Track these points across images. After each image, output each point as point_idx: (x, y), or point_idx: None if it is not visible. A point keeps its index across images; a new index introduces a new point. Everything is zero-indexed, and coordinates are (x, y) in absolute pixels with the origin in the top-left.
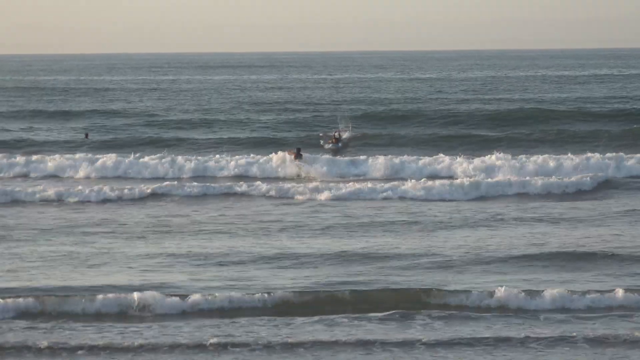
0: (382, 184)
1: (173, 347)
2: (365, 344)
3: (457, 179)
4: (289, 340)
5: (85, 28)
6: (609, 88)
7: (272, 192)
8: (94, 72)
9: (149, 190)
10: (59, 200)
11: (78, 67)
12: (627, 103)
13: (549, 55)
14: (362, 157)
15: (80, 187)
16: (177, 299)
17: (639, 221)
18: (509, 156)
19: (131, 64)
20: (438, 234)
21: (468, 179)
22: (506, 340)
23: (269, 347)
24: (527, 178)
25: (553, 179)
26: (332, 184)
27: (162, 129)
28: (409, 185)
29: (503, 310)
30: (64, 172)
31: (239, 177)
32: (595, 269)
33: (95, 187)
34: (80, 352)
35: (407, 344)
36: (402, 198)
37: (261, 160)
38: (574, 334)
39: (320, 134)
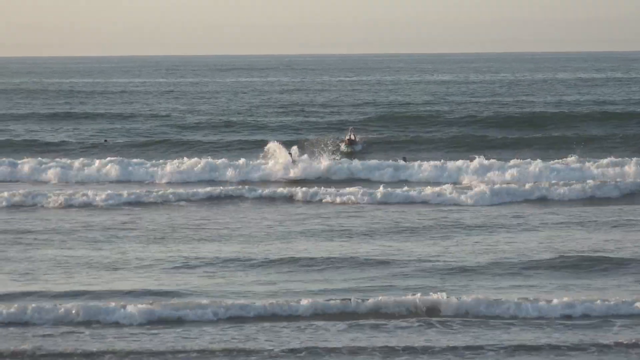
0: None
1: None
2: None
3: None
4: None
5: (84, 29)
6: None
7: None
8: (105, 74)
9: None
10: (131, 204)
11: (92, 69)
12: None
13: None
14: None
15: (141, 190)
16: None
17: None
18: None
19: (136, 67)
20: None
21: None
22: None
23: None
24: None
25: None
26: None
27: (183, 131)
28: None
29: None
30: (90, 177)
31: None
32: None
33: (169, 191)
34: None
35: None
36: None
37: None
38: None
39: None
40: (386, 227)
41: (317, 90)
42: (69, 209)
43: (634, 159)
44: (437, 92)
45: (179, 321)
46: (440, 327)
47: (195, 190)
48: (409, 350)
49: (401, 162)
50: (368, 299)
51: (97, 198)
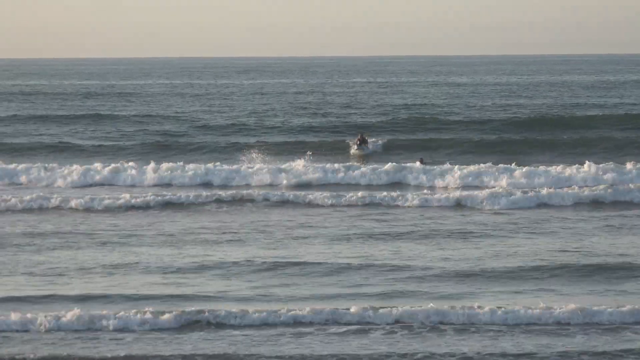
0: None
1: None
2: None
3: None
4: None
5: (83, 30)
6: None
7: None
8: (126, 75)
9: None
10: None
11: (113, 71)
12: None
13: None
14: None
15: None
16: None
17: None
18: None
19: (145, 69)
20: None
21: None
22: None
23: None
24: None
25: None
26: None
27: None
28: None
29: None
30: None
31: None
32: None
33: (205, 194)
34: None
35: None
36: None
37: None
38: None
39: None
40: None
41: (334, 92)
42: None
43: None
44: (453, 94)
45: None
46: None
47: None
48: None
49: (419, 164)
50: None
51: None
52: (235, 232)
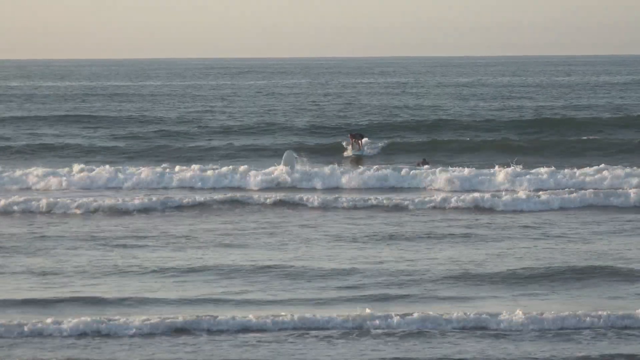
0: None
1: None
2: None
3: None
4: None
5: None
6: None
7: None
8: (133, 77)
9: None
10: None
11: (122, 72)
12: None
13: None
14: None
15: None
16: None
17: None
18: None
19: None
20: None
21: None
22: None
23: None
24: None
25: None
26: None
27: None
28: None
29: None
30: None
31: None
32: None
33: (222, 196)
34: None
35: None
36: None
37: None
38: None
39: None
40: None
41: (334, 93)
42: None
43: None
44: (454, 94)
45: None
46: None
47: None
48: None
49: (425, 166)
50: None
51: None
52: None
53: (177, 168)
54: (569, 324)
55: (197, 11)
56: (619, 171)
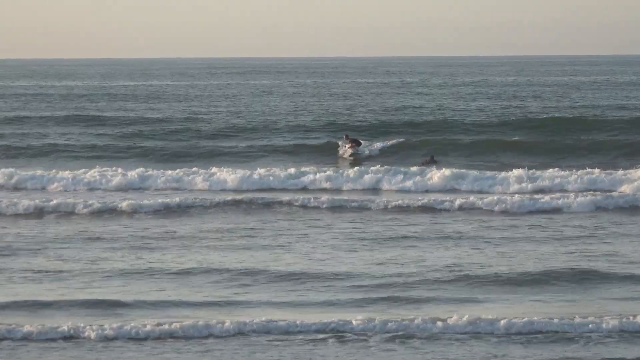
0: None
1: None
2: None
3: None
4: None
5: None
6: None
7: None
8: (141, 76)
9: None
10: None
11: (129, 71)
12: None
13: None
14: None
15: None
16: None
17: None
18: None
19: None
20: None
21: None
22: None
23: None
24: None
25: None
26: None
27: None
28: None
29: None
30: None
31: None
32: None
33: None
34: None
35: None
36: None
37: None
38: None
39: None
40: None
41: (335, 93)
42: None
43: None
44: (456, 94)
45: None
46: None
47: None
48: None
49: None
50: None
51: None
52: None
53: (214, 169)
54: None
55: (197, 11)
56: None
